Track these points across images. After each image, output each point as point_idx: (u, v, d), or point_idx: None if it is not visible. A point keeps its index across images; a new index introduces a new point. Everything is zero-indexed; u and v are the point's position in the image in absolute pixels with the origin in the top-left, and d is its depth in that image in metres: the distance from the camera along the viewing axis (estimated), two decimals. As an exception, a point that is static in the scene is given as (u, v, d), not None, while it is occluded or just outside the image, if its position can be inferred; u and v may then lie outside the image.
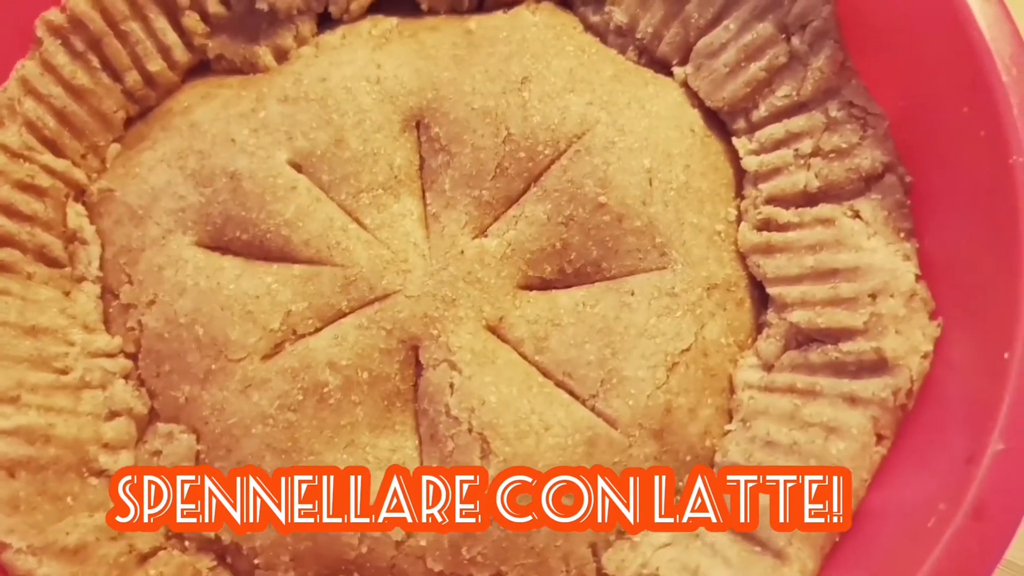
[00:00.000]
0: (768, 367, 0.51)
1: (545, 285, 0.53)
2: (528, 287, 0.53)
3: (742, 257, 0.53)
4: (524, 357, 0.51)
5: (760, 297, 0.53)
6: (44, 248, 0.53)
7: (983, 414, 0.41)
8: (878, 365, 0.47)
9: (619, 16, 0.58)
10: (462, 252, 0.53)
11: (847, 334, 0.48)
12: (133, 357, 0.53)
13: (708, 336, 0.51)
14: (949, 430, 0.44)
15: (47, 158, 0.54)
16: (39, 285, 0.52)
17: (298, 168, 0.54)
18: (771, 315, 0.52)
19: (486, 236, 0.53)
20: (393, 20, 0.60)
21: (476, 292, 0.52)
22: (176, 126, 0.56)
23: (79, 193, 0.56)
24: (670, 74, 0.57)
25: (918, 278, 0.48)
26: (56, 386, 0.50)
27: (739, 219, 0.54)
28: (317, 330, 0.51)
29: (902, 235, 0.50)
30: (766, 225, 0.53)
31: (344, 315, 0.52)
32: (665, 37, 0.57)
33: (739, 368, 0.51)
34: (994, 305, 0.43)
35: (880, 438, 0.46)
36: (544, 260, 0.53)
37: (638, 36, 0.57)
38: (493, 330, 0.52)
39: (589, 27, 0.59)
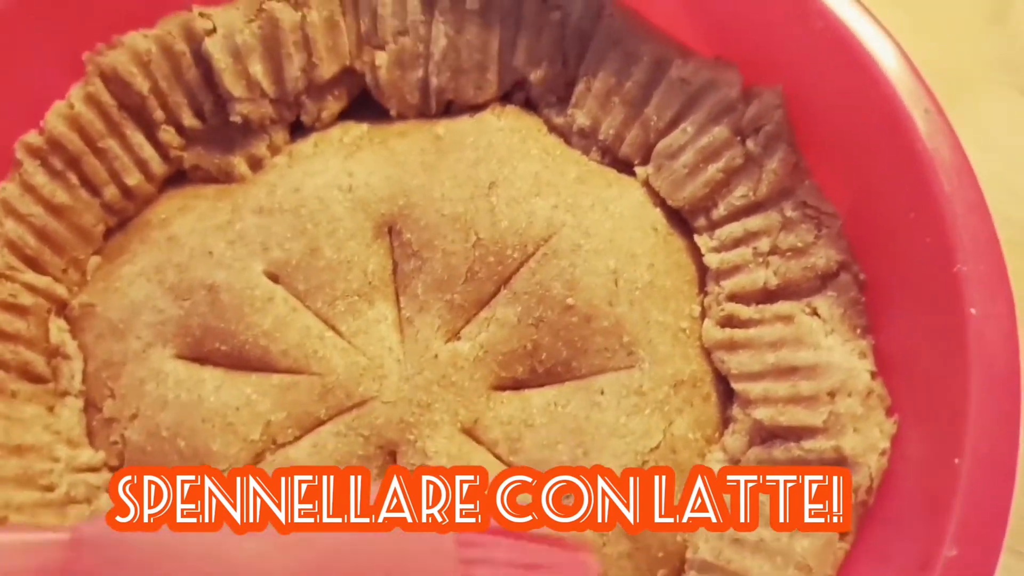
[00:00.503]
0: (735, 462, 0.52)
1: (517, 385, 0.55)
2: (501, 387, 0.55)
3: (707, 353, 0.55)
4: (499, 459, 0.53)
5: (726, 391, 0.55)
6: (27, 365, 0.54)
7: (937, 517, 0.43)
8: (838, 462, 0.48)
9: (581, 119, 0.60)
10: (436, 356, 0.54)
11: (808, 432, 0.50)
12: (116, 470, 0.54)
13: (676, 432, 0.53)
14: (907, 527, 0.45)
15: (29, 276, 0.56)
16: (23, 403, 0.54)
17: (275, 278, 0.56)
18: (736, 410, 0.54)
19: (459, 339, 0.55)
20: (363, 127, 0.62)
21: (451, 395, 0.54)
22: (154, 239, 0.58)
23: (60, 308, 0.57)
24: (632, 173, 0.59)
25: (874, 375, 0.50)
26: (42, 504, 0.51)
27: (703, 315, 0.56)
28: (296, 439, 0.53)
29: (858, 332, 0.52)
30: (729, 321, 0.55)
31: (322, 423, 0.53)
32: (626, 139, 0.59)
33: (707, 463, 0.53)
34: (945, 409, 0.45)
35: (843, 535, 0.48)
36: (516, 361, 0.55)
37: (600, 137, 0.60)
38: (468, 432, 0.53)
39: (553, 129, 0.61)
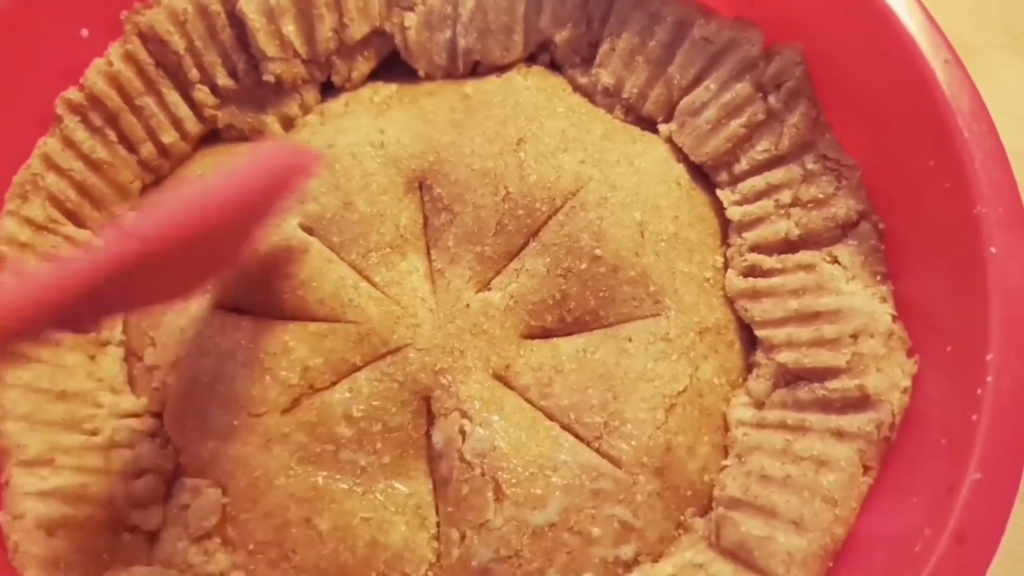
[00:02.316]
0: (759, 405, 0.54)
1: (547, 334, 0.57)
2: (531, 336, 0.56)
3: (730, 302, 0.57)
4: (530, 403, 0.54)
5: (748, 339, 0.57)
6: (70, 315, 0.56)
7: (960, 445, 0.44)
8: (862, 401, 0.50)
9: (606, 78, 0.61)
10: (467, 305, 0.56)
11: (832, 373, 0.51)
12: (158, 416, 0.55)
13: (702, 377, 0.54)
14: (930, 460, 0.47)
15: (69, 229, 0.57)
16: (67, 351, 0.55)
17: (309, 231, 0.57)
18: (760, 356, 0.55)
19: (489, 289, 0.57)
20: (393, 87, 0.63)
21: (482, 343, 0.55)
22: (191, 194, 0.59)
23: (100, 260, 0.58)
24: (656, 131, 0.61)
25: (895, 318, 0.52)
26: (87, 447, 0.52)
27: (726, 266, 0.58)
28: (333, 384, 0.54)
29: (878, 278, 0.54)
30: (751, 271, 0.56)
31: (358, 369, 0.55)
32: (650, 97, 0.61)
33: (732, 407, 0.55)
34: (965, 344, 0.47)
35: (866, 469, 0.50)
36: (545, 310, 0.56)
37: (624, 96, 0.61)
38: (500, 378, 0.55)
39: (578, 88, 0.63)
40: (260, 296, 0.56)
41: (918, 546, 0.44)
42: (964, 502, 0.43)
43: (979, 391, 0.45)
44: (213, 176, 0.50)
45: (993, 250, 0.47)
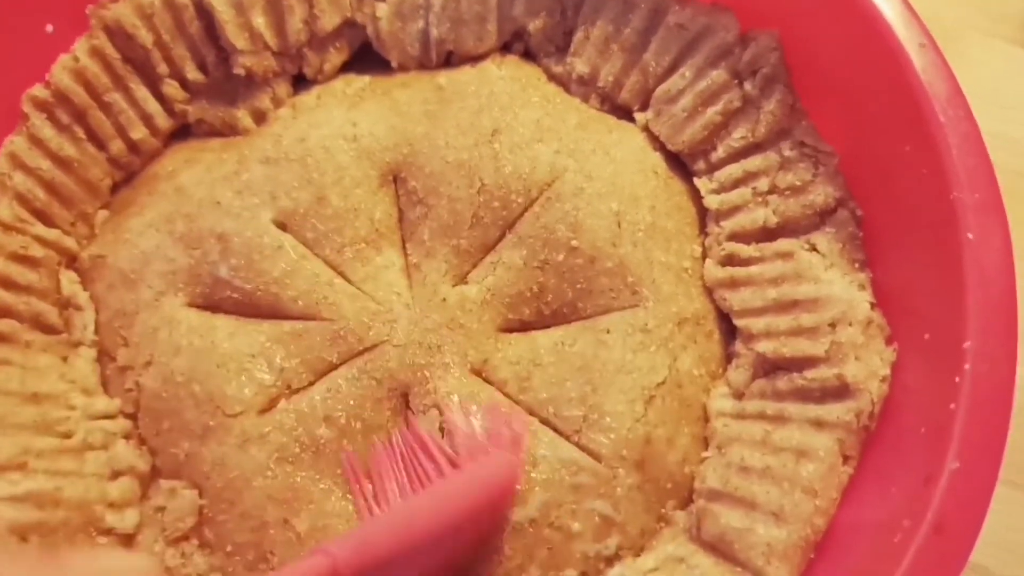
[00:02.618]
0: (739, 395, 0.54)
1: (524, 327, 0.56)
2: (508, 330, 0.56)
3: (709, 291, 0.56)
4: (509, 397, 0.54)
5: (728, 328, 0.56)
6: (40, 316, 0.55)
7: (939, 434, 0.44)
8: (840, 390, 0.50)
9: (581, 66, 0.61)
10: (444, 300, 0.55)
11: (810, 362, 0.51)
12: (132, 417, 0.55)
13: (681, 368, 0.54)
14: (908, 449, 0.47)
15: (39, 229, 0.56)
16: (38, 352, 0.54)
17: (283, 227, 0.56)
18: (739, 345, 0.55)
19: (466, 283, 0.56)
20: (365, 78, 0.62)
21: (460, 337, 0.55)
22: (162, 191, 0.58)
23: (70, 260, 0.58)
24: (632, 119, 0.60)
25: (873, 306, 0.52)
26: (60, 450, 0.52)
27: (704, 255, 0.57)
28: (310, 383, 0.54)
29: (856, 266, 0.53)
30: (729, 260, 0.56)
31: (335, 367, 0.54)
32: (625, 85, 0.60)
33: (712, 397, 0.54)
34: (943, 331, 0.47)
35: (846, 459, 0.49)
36: (522, 303, 0.56)
37: (600, 85, 0.61)
38: (478, 373, 0.54)
39: (553, 77, 0.62)
40: (233, 294, 0.55)
41: (898, 536, 0.43)
42: (943, 492, 0.43)
43: (957, 379, 0.45)
44: (423, 493, 0.49)
45: (970, 235, 0.47)
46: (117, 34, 0.58)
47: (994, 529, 0.44)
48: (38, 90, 0.57)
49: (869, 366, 0.50)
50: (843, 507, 0.49)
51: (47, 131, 0.57)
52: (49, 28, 0.57)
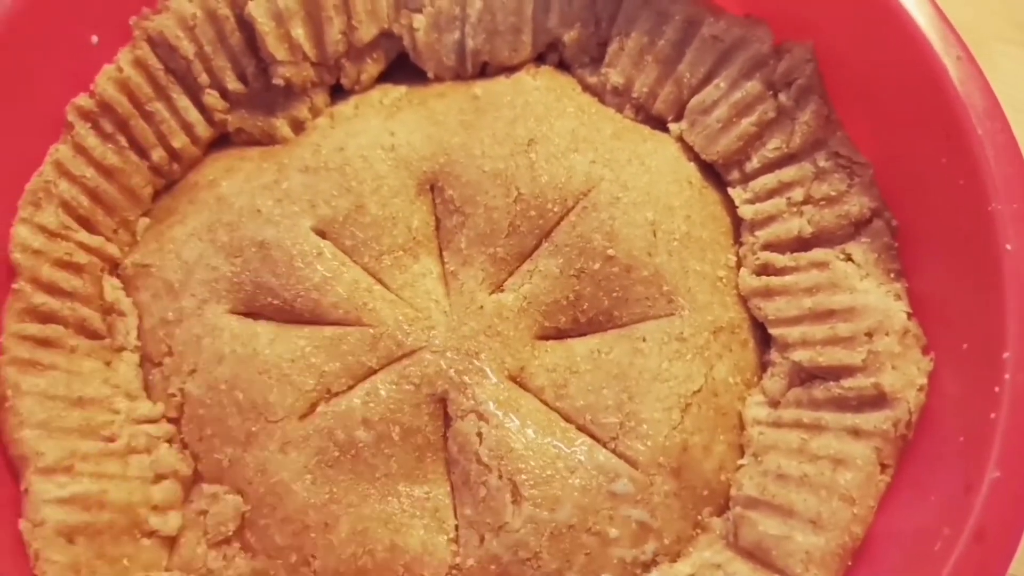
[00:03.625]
0: (775, 404, 0.54)
1: (561, 335, 0.57)
2: (545, 337, 0.57)
3: (744, 300, 0.57)
4: (546, 404, 0.55)
5: (762, 337, 0.57)
6: (84, 322, 0.56)
7: (978, 443, 0.45)
8: (878, 399, 0.50)
9: (615, 77, 0.61)
10: (481, 307, 0.56)
11: (847, 371, 0.52)
12: (175, 421, 0.55)
13: (717, 376, 0.55)
14: (947, 458, 0.47)
15: (82, 235, 0.57)
16: (82, 357, 0.55)
17: (322, 234, 0.57)
18: (774, 354, 0.55)
19: (503, 291, 0.57)
20: (402, 88, 0.63)
21: (497, 344, 0.55)
22: (203, 200, 0.59)
23: (113, 267, 0.59)
24: (666, 130, 0.61)
25: (910, 316, 0.52)
26: (105, 453, 0.52)
27: (739, 264, 0.58)
28: (349, 388, 0.54)
29: (892, 276, 0.54)
30: (764, 270, 0.56)
31: (374, 372, 0.55)
32: (660, 96, 0.61)
33: (747, 406, 0.55)
34: (981, 341, 0.47)
35: (884, 467, 0.50)
36: (559, 311, 0.56)
37: (634, 95, 0.61)
38: (515, 380, 0.55)
39: (587, 88, 0.63)
40: (274, 301, 0.56)
41: (937, 545, 0.44)
42: (983, 500, 0.43)
43: (996, 389, 0.45)
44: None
45: (1008, 246, 0.47)
46: (160, 45, 0.59)
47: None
48: (83, 99, 0.58)
49: (906, 375, 0.50)
50: (881, 515, 0.49)
51: (91, 140, 0.58)
52: (94, 39, 0.58)
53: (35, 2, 0.56)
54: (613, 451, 0.53)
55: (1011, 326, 0.46)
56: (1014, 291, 0.46)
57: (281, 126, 0.62)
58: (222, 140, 0.63)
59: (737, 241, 0.59)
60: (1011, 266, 0.47)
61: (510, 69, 0.63)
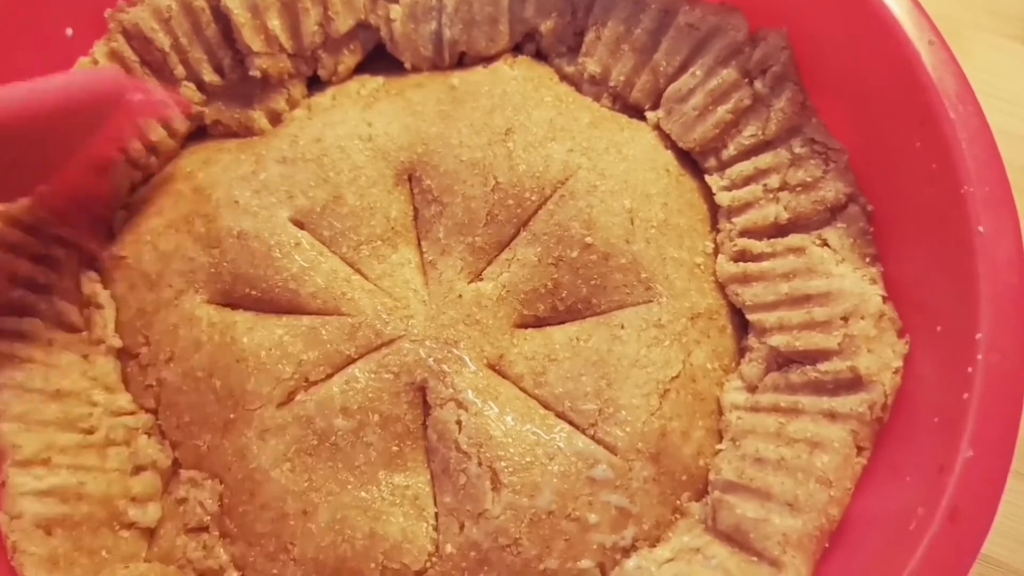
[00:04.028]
0: (752, 388, 0.54)
1: (539, 323, 0.57)
2: (524, 325, 0.57)
3: (721, 287, 0.57)
4: (524, 392, 0.55)
5: (740, 323, 0.57)
6: (62, 315, 0.55)
7: (952, 424, 0.45)
8: (854, 382, 0.51)
9: (592, 66, 0.61)
10: (460, 296, 0.56)
11: (823, 355, 0.52)
12: (153, 412, 0.55)
13: (695, 362, 0.55)
14: (922, 439, 0.48)
15: (59, 230, 0.57)
16: (60, 351, 0.55)
17: (300, 225, 0.57)
18: (752, 340, 0.56)
19: (481, 280, 0.57)
20: (379, 79, 0.63)
21: (476, 333, 0.55)
22: (180, 191, 0.59)
23: (90, 260, 0.58)
24: (643, 118, 0.61)
25: (885, 299, 0.52)
26: (83, 445, 0.52)
27: (716, 251, 0.58)
28: (328, 376, 0.54)
29: (867, 260, 0.54)
30: (741, 256, 0.57)
31: (353, 361, 0.55)
32: (636, 84, 0.61)
33: (725, 391, 0.55)
34: (955, 323, 0.48)
35: (860, 450, 0.50)
36: (537, 299, 0.56)
37: (611, 84, 0.61)
38: (493, 368, 0.55)
39: (564, 77, 0.63)
40: (252, 291, 0.56)
41: (912, 525, 0.44)
42: (957, 480, 0.43)
43: (970, 369, 0.45)
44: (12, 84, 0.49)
45: (981, 229, 0.47)
46: (135, 37, 0.59)
47: (1006, 521, 0.45)
48: (60, 92, 0.57)
49: (882, 358, 0.51)
50: (857, 497, 0.49)
51: (68, 132, 0.58)
52: (69, 32, 0.58)
53: (9, -5, 0.56)
54: (592, 437, 0.53)
55: (984, 307, 0.46)
56: (987, 273, 0.46)
57: (258, 118, 0.62)
58: (199, 132, 0.63)
59: (714, 228, 0.59)
60: (983, 248, 0.47)
61: (487, 59, 0.63)
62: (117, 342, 0.56)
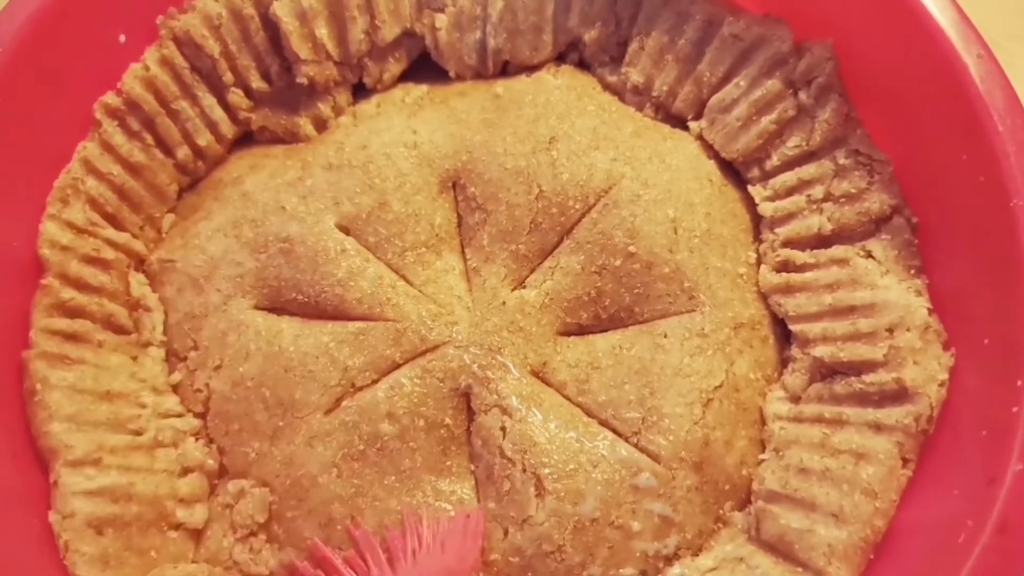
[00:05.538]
0: (795, 399, 0.55)
1: (582, 331, 0.57)
2: (567, 333, 0.57)
3: (764, 297, 0.57)
4: (568, 399, 0.55)
5: (783, 333, 0.57)
6: (111, 317, 0.56)
7: (1001, 436, 0.45)
8: (899, 394, 0.51)
9: (635, 76, 0.62)
10: (503, 303, 0.56)
11: (868, 366, 0.52)
12: (200, 416, 0.56)
13: (738, 372, 0.55)
14: (969, 452, 0.48)
15: (109, 232, 0.58)
16: (109, 352, 0.56)
17: (346, 231, 0.58)
18: (795, 350, 0.56)
19: (525, 287, 0.57)
20: (423, 87, 0.64)
21: (519, 340, 0.56)
22: (228, 196, 0.60)
23: (139, 263, 0.59)
24: (686, 128, 0.61)
25: (930, 312, 0.52)
26: (132, 447, 0.53)
27: (759, 262, 0.58)
28: (374, 382, 0.55)
29: (912, 272, 0.54)
30: (784, 266, 0.57)
31: (398, 366, 0.55)
32: (680, 94, 0.61)
33: (768, 401, 0.55)
34: (1003, 336, 0.48)
35: (905, 461, 0.50)
36: (580, 307, 0.57)
37: (654, 94, 0.62)
38: (537, 375, 0.56)
39: (607, 87, 0.63)
40: (299, 296, 0.56)
41: (961, 537, 0.44)
42: (1007, 492, 0.44)
43: (1019, 382, 0.45)
44: None
45: (1029, 242, 0.47)
46: (186, 44, 0.60)
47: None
48: (110, 98, 0.58)
49: (927, 370, 0.51)
50: (903, 509, 0.49)
51: (118, 137, 0.58)
52: (122, 38, 0.59)
53: (64, 2, 0.56)
54: (635, 445, 0.53)
55: (1033, 321, 0.46)
56: (1036, 287, 0.46)
57: (304, 124, 0.63)
58: (246, 138, 0.64)
59: (757, 238, 0.59)
60: (1032, 262, 0.47)
61: (531, 68, 0.64)
62: (164, 345, 0.57)
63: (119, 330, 0.57)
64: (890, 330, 0.52)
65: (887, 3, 0.54)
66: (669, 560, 0.52)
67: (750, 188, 0.59)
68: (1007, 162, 0.49)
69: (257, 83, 0.62)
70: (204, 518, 0.53)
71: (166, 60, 0.59)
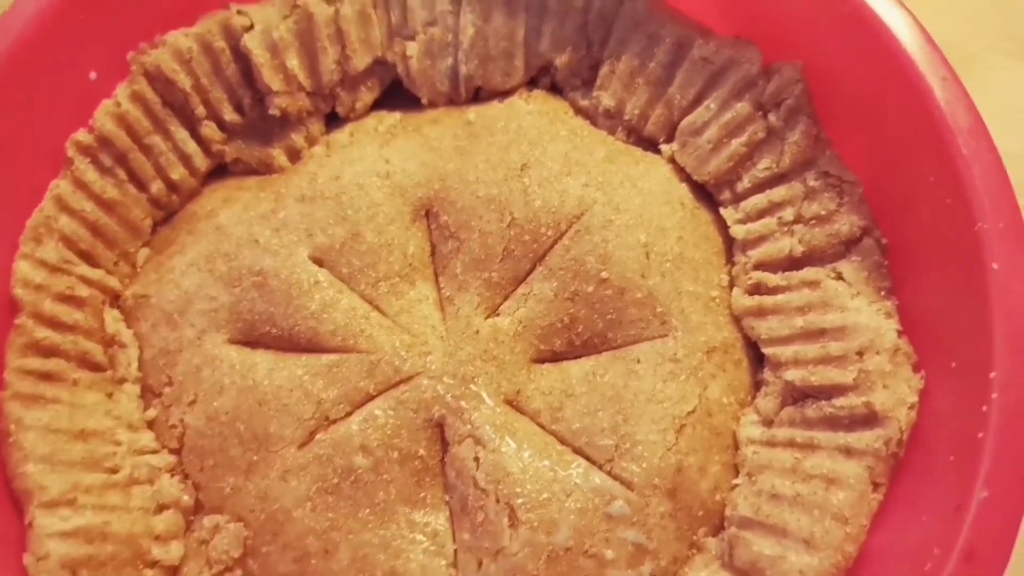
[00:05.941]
0: (768, 423, 0.55)
1: (556, 357, 0.57)
2: (540, 360, 0.57)
3: (737, 320, 0.57)
4: (542, 427, 0.55)
5: (756, 356, 0.57)
6: (86, 354, 0.56)
7: (967, 463, 0.45)
8: (869, 418, 0.51)
9: (607, 100, 0.62)
10: (477, 332, 0.57)
11: (839, 390, 0.52)
12: (176, 452, 0.56)
13: (711, 397, 0.55)
14: (938, 476, 0.48)
15: (83, 269, 0.58)
16: (84, 390, 0.56)
17: (319, 263, 0.58)
18: (767, 374, 0.56)
19: (498, 315, 0.57)
20: (396, 115, 0.64)
21: (493, 369, 0.56)
22: (202, 230, 0.60)
23: (114, 299, 0.59)
24: (658, 151, 0.61)
25: (900, 334, 0.52)
26: (108, 485, 0.53)
27: (731, 284, 0.58)
28: (348, 415, 0.55)
29: (882, 293, 0.54)
30: (757, 289, 0.57)
31: (372, 398, 0.55)
32: (651, 118, 0.61)
33: (741, 425, 0.55)
34: (970, 360, 0.48)
35: (876, 486, 0.50)
36: (554, 334, 0.57)
37: (626, 117, 0.62)
38: (511, 403, 0.56)
39: (579, 111, 0.64)
40: (273, 330, 0.56)
41: (928, 565, 0.44)
42: (972, 520, 0.43)
43: (984, 408, 0.45)
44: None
45: (995, 266, 0.47)
46: (157, 79, 0.60)
47: (1021, 563, 0.45)
48: (82, 135, 0.58)
49: (897, 394, 0.51)
50: (873, 534, 0.49)
51: (91, 174, 0.59)
52: (93, 75, 0.59)
53: (35, 40, 0.56)
54: (609, 473, 0.53)
55: (998, 346, 0.46)
56: (1001, 311, 0.47)
57: (278, 155, 0.63)
58: (220, 170, 0.64)
59: (729, 261, 0.59)
60: (997, 286, 0.47)
61: (503, 93, 0.64)
62: (139, 381, 0.57)
63: (94, 367, 0.57)
64: (860, 353, 0.52)
65: (854, 26, 0.54)
66: (653, 589, 0.52)
67: (722, 210, 0.60)
68: (972, 185, 0.49)
69: (230, 115, 0.62)
70: (180, 555, 0.54)
71: (137, 95, 0.60)
